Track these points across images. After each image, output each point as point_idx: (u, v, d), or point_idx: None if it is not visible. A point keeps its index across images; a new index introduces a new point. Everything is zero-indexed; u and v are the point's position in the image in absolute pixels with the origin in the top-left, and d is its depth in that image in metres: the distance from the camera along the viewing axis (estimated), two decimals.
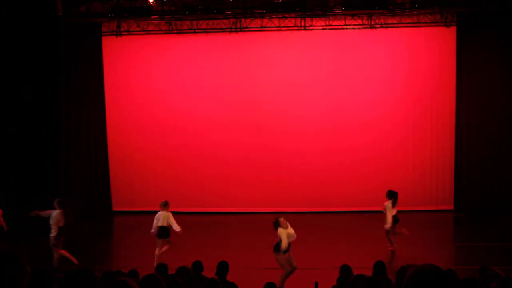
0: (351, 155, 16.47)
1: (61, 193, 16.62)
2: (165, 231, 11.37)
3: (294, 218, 11.00)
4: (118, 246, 14.41)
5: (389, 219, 11.96)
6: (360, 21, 16.08)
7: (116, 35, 16.76)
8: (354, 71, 16.49)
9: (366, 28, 16.11)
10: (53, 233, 11.16)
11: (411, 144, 16.47)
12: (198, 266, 7.61)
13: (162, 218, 11.35)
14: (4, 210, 12.44)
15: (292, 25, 16.26)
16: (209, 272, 7.78)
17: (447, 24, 15.95)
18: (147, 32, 16.71)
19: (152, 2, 14.76)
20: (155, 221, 11.44)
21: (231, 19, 15.99)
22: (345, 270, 7.83)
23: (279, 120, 16.60)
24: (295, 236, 10.08)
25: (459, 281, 6.84)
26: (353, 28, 16.20)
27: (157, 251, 11.32)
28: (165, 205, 11.51)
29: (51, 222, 11.19)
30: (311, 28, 16.28)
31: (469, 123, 16.03)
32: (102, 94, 16.97)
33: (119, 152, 17.07)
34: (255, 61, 16.73)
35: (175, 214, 16.55)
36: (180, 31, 16.59)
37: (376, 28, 16.08)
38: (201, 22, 16.35)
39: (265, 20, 16.18)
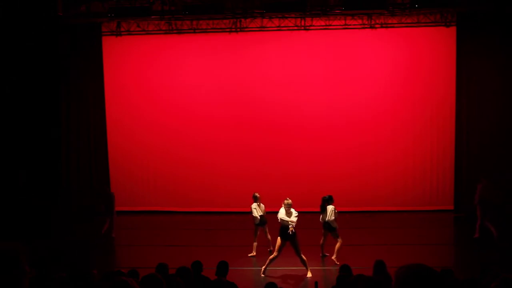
0: (350, 155, 16.47)
1: (62, 193, 16.68)
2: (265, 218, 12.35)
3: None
4: (118, 246, 14.41)
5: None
6: (360, 21, 16.08)
7: (116, 35, 16.77)
8: (354, 71, 16.48)
9: (366, 28, 16.11)
10: None
11: (411, 144, 16.47)
12: (198, 266, 7.62)
13: (260, 208, 12.31)
14: (4, 211, 12.47)
15: (292, 25, 16.26)
16: (209, 272, 7.79)
17: (447, 24, 15.95)
18: (147, 32, 16.72)
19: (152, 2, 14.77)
20: (254, 212, 12.25)
21: (231, 19, 15.99)
22: (344, 270, 7.84)
23: (279, 120, 16.60)
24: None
25: (458, 281, 6.85)
26: (353, 28, 16.20)
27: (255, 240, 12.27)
28: (257, 198, 12.38)
29: None
30: (311, 28, 16.28)
31: (469, 123, 16.03)
32: (102, 94, 16.98)
33: (119, 152, 17.07)
34: (255, 61, 16.73)
35: (174, 214, 16.70)
36: (180, 31, 16.59)
37: (376, 28, 16.08)
38: (201, 22, 16.36)
39: (265, 20, 16.17)
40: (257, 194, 12.37)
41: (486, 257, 11.46)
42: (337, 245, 11.61)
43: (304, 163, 16.53)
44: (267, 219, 12.32)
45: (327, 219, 11.70)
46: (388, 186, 16.44)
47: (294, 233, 10.63)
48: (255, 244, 12.26)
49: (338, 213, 11.86)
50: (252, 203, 12.34)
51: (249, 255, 12.19)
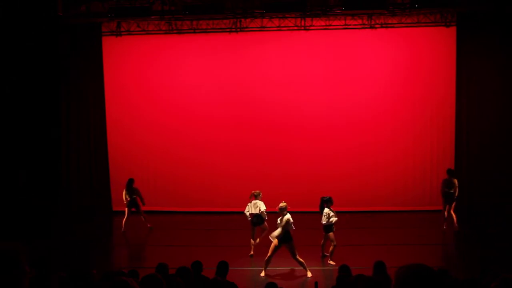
0: (350, 155, 16.47)
1: (62, 193, 16.68)
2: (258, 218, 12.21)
3: (295, 218, 10.98)
4: (118, 246, 14.42)
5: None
6: (360, 21, 16.08)
7: (116, 35, 16.77)
8: (354, 71, 16.48)
9: (366, 28, 16.11)
10: None
11: (411, 144, 16.46)
12: (197, 266, 7.62)
13: (254, 207, 12.26)
14: (4, 211, 12.49)
15: (292, 25, 16.26)
16: (209, 272, 7.79)
17: (447, 24, 15.95)
18: (147, 32, 16.71)
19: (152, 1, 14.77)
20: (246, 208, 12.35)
21: (231, 19, 15.99)
22: (344, 270, 7.84)
23: (279, 120, 16.60)
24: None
25: (458, 281, 6.85)
26: (353, 28, 16.20)
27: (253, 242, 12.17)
28: (257, 195, 12.39)
29: None
30: (311, 28, 16.28)
31: (469, 123, 16.03)
32: (102, 94, 16.98)
33: (119, 152, 17.07)
34: (255, 61, 16.73)
35: (174, 214, 16.70)
36: (180, 31, 16.59)
37: (376, 28, 16.08)
38: (201, 22, 16.35)
39: (265, 20, 16.17)
40: (254, 192, 12.42)
41: (486, 257, 11.46)
42: (330, 247, 11.63)
43: (304, 163, 16.52)
44: (263, 219, 12.23)
45: (322, 221, 11.71)
46: (388, 186, 16.43)
47: (290, 236, 10.64)
48: (251, 241, 12.22)
49: (336, 214, 11.77)
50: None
51: (250, 254, 12.18)
